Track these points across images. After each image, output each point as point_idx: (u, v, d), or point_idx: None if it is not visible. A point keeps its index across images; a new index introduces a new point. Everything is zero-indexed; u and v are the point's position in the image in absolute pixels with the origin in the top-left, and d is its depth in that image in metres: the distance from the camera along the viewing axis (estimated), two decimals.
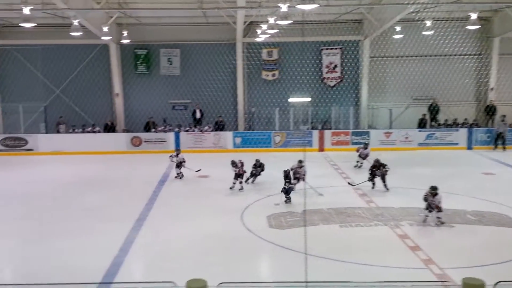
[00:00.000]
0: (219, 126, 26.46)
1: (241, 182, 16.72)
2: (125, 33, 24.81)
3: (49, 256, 11.00)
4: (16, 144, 25.53)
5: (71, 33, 19.59)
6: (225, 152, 24.85)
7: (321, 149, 25.52)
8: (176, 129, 26.22)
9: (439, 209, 12.59)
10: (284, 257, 10.83)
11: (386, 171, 16.20)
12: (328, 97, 27.45)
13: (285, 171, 15.43)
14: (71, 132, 26.45)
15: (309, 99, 27.39)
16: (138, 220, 13.71)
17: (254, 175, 17.54)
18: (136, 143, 25.62)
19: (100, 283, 9.40)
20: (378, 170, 16.25)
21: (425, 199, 12.75)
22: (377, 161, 16.55)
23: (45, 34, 25.97)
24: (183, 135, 25.73)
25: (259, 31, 24.31)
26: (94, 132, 26.28)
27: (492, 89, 27.42)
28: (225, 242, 11.82)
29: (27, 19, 16.29)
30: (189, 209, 14.79)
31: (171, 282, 6.12)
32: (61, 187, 18.14)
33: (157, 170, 19.68)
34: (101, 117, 27.28)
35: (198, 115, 27.11)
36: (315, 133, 25.93)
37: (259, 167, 17.40)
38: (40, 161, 23.54)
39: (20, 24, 17.42)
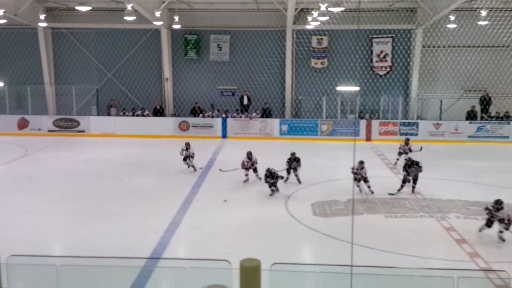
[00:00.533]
0: (266, 113, 26.56)
1: (246, 175, 16.44)
2: (176, 18, 25.07)
3: (99, 234, 11.38)
4: (68, 125, 26.30)
5: (124, 17, 20.02)
6: (272, 140, 24.96)
7: (368, 139, 25.30)
8: (224, 115, 26.46)
9: (508, 224, 10.90)
10: (328, 245, 10.88)
11: (419, 169, 14.91)
12: (377, 86, 27.13)
13: (267, 170, 14.81)
14: (121, 115, 27.06)
15: (357, 88, 27.16)
16: (185, 203, 13.98)
17: (289, 170, 16.18)
18: (184, 127, 25.98)
19: (150, 258, 9.66)
20: (410, 168, 14.91)
21: (486, 209, 11.28)
22: (408, 159, 15.38)
23: (99, 18, 26.59)
24: (230, 121, 25.94)
25: (309, 18, 24.19)
26: (143, 115, 26.79)
27: None
28: (270, 228, 11.93)
29: (82, 2, 16.69)
30: (234, 195, 14.94)
31: (225, 260, 6.20)
32: (110, 168, 18.62)
33: (203, 155, 19.93)
34: (150, 101, 27.80)
35: (245, 101, 27.27)
36: (363, 123, 25.71)
37: (294, 160, 16.14)
38: (91, 143, 24.18)
39: (76, 8, 17.87)
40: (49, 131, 26.09)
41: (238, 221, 12.42)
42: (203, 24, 27.45)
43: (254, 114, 26.58)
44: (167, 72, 27.77)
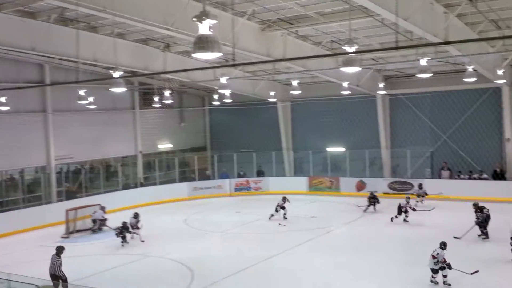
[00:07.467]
0: None
1: None
2: None
3: None
4: (402, 188, 26.41)
5: (464, 79, 19.45)
6: None
7: None
8: None
9: None
10: None
11: None
12: None
13: None
14: (456, 178, 25.99)
15: None
16: None
17: None
18: None
19: None
20: None
21: None
22: None
23: (434, 81, 25.62)
24: None
25: None
26: (480, 179, 25.28)
27: None
28: None
29: (423, 70, 16.50)
30: None
31: None
32: (443, 233, 17.26)
33: None
34: (488, 163, 26.07)
35: None
36: None
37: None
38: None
39: (417, 75, 17.77)
40: (384, 193, 26.44)
41: None
42: None
43: None
44: (508, 131, 25.58)
